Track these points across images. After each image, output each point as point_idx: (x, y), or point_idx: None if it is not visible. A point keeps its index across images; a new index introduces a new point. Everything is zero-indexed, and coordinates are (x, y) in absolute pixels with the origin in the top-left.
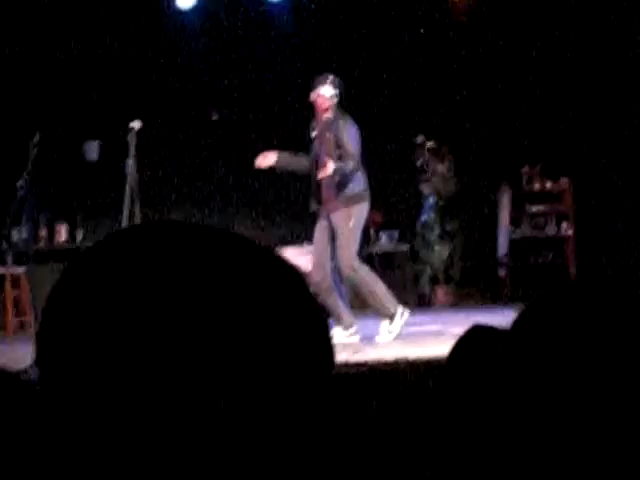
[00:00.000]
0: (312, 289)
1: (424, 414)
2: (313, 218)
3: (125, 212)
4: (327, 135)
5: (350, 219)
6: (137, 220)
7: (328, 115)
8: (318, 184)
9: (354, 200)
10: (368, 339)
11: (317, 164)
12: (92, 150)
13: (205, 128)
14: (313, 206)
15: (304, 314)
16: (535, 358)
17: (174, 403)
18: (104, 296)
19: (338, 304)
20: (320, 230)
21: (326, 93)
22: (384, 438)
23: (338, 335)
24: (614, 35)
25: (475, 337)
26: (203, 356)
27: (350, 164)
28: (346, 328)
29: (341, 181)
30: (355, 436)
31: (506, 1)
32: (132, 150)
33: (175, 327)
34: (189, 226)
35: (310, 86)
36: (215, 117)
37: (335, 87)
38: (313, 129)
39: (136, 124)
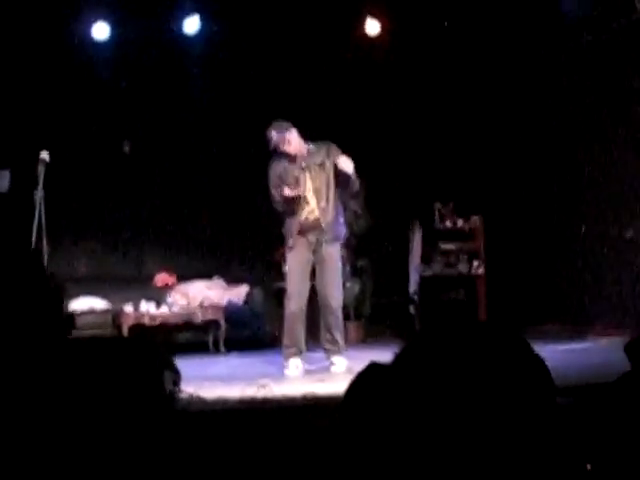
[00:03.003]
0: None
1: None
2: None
3: (33, 243)
4: (326, 166)
5: (340, 259)
6: (44, 250)
7: (304, 149)
8: (315, 221)
9: (342, 240)
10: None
11: (317, 195)
12: (2, 180)
13: (117, 160)
14: (290, 242)
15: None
16: (411, 391)
17: None
18: None
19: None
20: (304, 262)
21: (294, 134)
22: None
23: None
24: (526, 75)
25: (371, 374)
26: None
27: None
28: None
29: (342, 219)
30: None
31: (420, 40)
32: (41, 181)
33: None
34: None
35: (273, 135)
36: (127, 149)
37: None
38: (296, 168)
39: (46, 155)
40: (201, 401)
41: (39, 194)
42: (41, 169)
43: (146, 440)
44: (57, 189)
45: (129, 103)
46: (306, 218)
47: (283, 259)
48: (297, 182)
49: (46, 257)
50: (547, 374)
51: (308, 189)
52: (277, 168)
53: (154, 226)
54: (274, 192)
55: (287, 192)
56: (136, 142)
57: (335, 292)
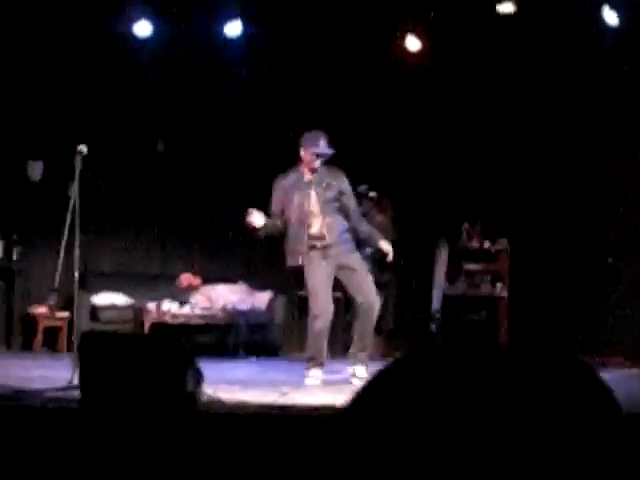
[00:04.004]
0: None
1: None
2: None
3: (65, 235)
4: (332, 187)
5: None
6: (76, 243)
7: (319, 168)
8: (324, 235)
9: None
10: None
11: (323, 211)
12: (35, 170)
13: (150, 158)
14: (293, 260)
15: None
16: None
17: None
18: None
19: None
20: (327, 274)
21: (323, 150)
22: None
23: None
24: (559, 101)
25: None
26: None
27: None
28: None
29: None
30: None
31: (457, 60)
32: (78, 173)
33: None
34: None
35: (320, 145)
36: (161, 148)
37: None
38: (302, 182)
39: (83, 148)
40: (221, 404)
41: (75, 186)
42: (78, 161)
43: (164, 436)
44: (88, 183)
45: (166, 102)
46: (317, 233)
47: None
48: (302, 199)
49: (78, 251)
50: (615, 406)
51: (314, 203)
52: (284, 182)
53: (182, 227)
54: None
55: (250, 220)
56: (170, 141)
57: (375, 297)
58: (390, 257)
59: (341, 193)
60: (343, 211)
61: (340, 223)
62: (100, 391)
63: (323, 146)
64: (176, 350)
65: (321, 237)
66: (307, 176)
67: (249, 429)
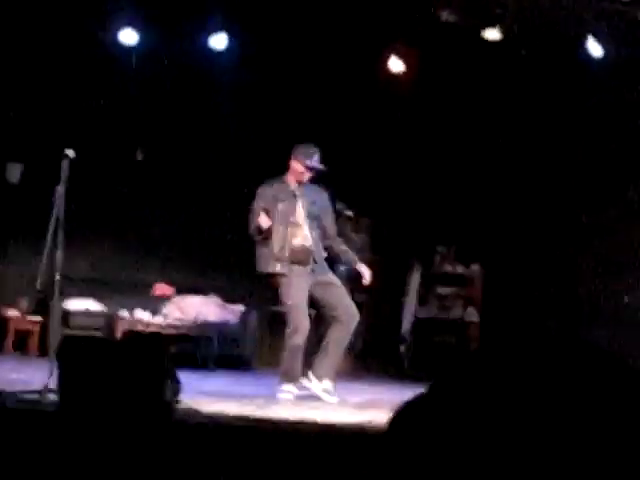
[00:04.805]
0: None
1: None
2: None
3: (49, 239)
4: (316, 204)
5: None
6: (59, 247)
7: (306, 182)
8: (309, 249)
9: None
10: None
11: (310, 224)
12: (14, 171)
13: (130, 166)
14: (272, 267)
15: None
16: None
17: None
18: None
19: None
20: (306, 289)
21: (317, 165)
22: None
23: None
24: (538, 126)
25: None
26: None
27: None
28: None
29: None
30: None
31: (438, 81)
32: (64, 177)
33: None
34: None
35: (297, 152)
36: (140, 157)
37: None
38: (288, 192)
39: (70, 152)
40: (198, 414)
41: (60, 190)
42: (65, 165)
43: (141, 444)
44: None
45: (149, 110)
46: (301, 245)
47: (278, 285)
48: (287, 210)
49: (60, 252)
50: None
51: (300, 214)
52: (269, 190)
53: (157, 236)
54: (251, 217)
55: (262, 222)
56: (151, 150)
57: (355, 311)
58: (367, 279)
59: (324, 211)
60: (322, 229)
61: (320, 240)
62: (78, 396)
63: (317, 161)
64: (155, 359)
65: (304, 250)
66: (293, 187)
67: (225, 440)
